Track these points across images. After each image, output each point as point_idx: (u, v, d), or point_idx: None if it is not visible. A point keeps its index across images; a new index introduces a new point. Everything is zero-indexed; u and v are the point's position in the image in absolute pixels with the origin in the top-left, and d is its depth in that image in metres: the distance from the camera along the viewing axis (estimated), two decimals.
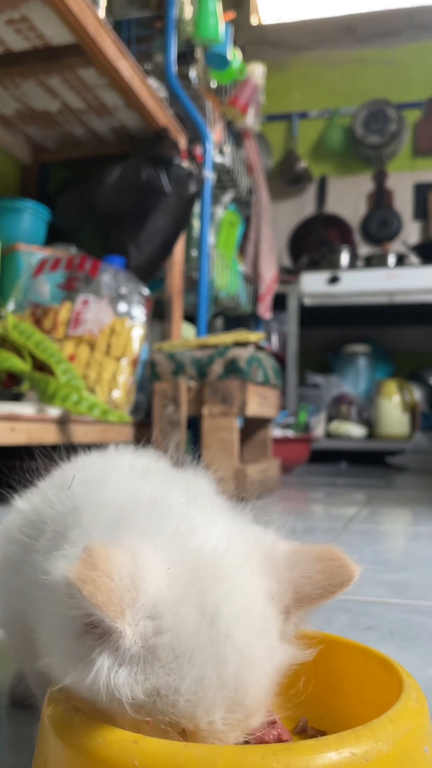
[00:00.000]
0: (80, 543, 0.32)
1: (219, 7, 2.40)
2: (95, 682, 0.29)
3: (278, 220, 4.07)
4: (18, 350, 1.61)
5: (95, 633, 0.29)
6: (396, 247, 3.94)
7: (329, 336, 4.06)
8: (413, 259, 3.67)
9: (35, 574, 0.35)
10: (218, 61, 2.57)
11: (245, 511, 0.38)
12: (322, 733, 0.41)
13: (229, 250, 2.81)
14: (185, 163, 2.11)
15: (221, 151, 2.66)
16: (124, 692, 0.29)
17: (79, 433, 1.59)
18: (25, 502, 0.45)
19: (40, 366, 1.60)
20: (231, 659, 0.30)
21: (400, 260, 3.60)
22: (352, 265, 3.65)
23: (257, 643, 0.31)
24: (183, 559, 0.31)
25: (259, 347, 1.93)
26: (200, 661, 0.29)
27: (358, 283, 3.46)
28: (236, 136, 3.03)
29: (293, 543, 0.36)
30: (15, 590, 0.40)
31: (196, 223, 2.44)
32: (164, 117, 2.11)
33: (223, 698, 0.29)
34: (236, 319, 3.36)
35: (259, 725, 0.32)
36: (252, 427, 2.17)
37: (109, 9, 2.18)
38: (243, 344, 1.84)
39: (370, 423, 3.67)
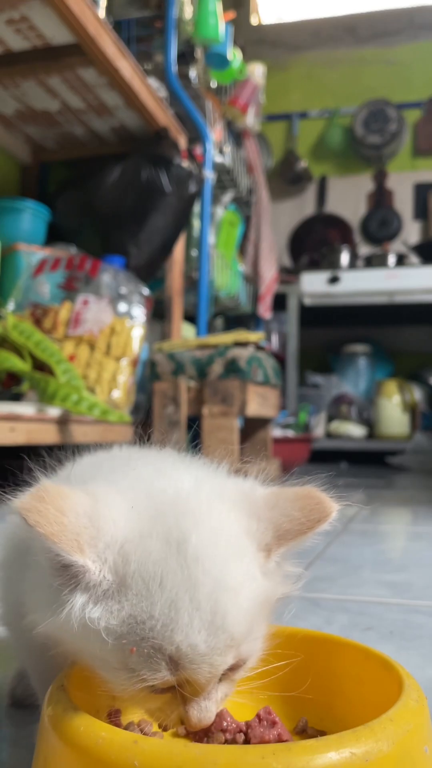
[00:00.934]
0: None
1: (219, 7, 2.40)
2: (69, 618, 0.30)
3: (278, 220, 4.07)
4: (18, 350, 1.61)
5: (66, 575, 0.30)
6: (396, 247, 3.94)
7: (329, 336, 4.06)
8: (413, 259, 3.67)
9: (37, 569, 0.35)
10: (218, 61, 2.57)
11: (220, 466, 0.39)
12: (322, 733, 0.41)
13: (229, 250, 2.81)
14: (185, 163, 2.11)
15: (221, 151, 2.66)
16: (102, 624, 0.30)
17: (79, 433, 1.59)
18: None
19: (40, 366, 1.60)
20: (202, 582, 0.30)
21: (400, 260, 3.60)
22: (352, 265, 3.65)
23: (231, 567, 0.32)
24: (147, 498, 0.33)
25: (259, 347, 1.93)
26: (170, 585, 0.30)
27: (358, 283, 3.46)
28: (236, 136, 3.03)
29: (271, 488, 0.37)
30: (18, 586, 0.40)
31: (196, 223, 2.44)
32: (164, 117, 2.11)
33: (200, 620, 0.30)
34: (236, 319, 3.36)
35: (255, 657, 0.33)
36: (252, 427, 2.17)
37: (109, 9, 2.18)
38: (243, 344, 1.84)
39: (370, 423, 3.67)
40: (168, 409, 1.80)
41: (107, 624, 0.30)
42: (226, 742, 0.35)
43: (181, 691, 0.32)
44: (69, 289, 1.85)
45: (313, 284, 3.49)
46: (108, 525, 0.31)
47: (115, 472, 0.36)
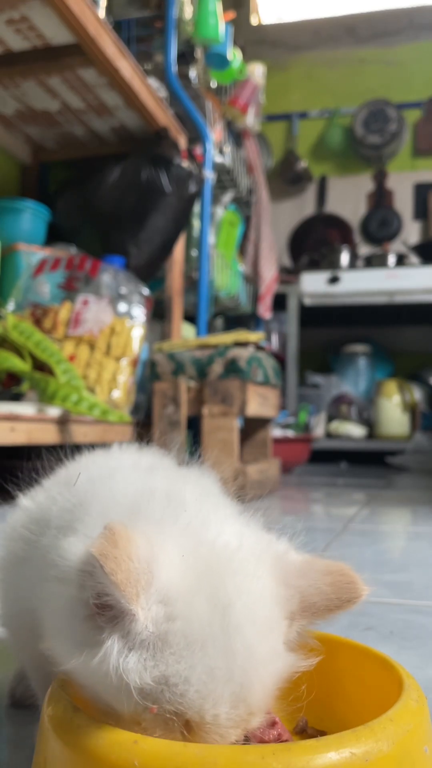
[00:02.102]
0: (90, 532, 0.32)
1: (219, 7, 2.40)
2: (103, 664, 0.29)
3: (278, 220, 4.07)
4: (18, 350, 1.61)
5: (106, 615, 0.29)
6: (396, 247, 3.94)
7: (329, 336, 4.06)
8: (413, 259, 3.67)
9: (40, 568, 0.35)
10: (218, 61, 2.57)
11: (256, 516, 0.38)
12: (322, 733, 0.41)
13: (229, 250, 2.81)
14: (185, 163, 2.11)
15: (221, 151, 2.66)
16: (133, 677, 0.29)
17: (79, 433, 1.59)
18: (29, 500, 0.45)
19: (40, 366, 1.60)
20: (240, 653, 0.29)
21: (400, 260, 3.60)
22: (352, 265, 3.65)
23: (264, 641, 0.31)
24: (196, 550, 0.31)
25: (259, 347, 1.93)
26: (211, 652, 0.29)
27: (358, 283, 3.46)
28: (236, 136, 3.03)
29: (305, 554, 0.35)
30: (19, 586, 0.40)
31: (196, 223, 2.44)
32: (164, 117, 2.11)
33: (230, 692, 0.29)
34: (236, 319, 3.36)
35: (258, 726, 0.32)
36: (252, 427, 2.17)
37: (109, 9, 2.18)
38: (243, 344, 1.84)
39: (370, 423, 3.67)
40: (168, 409, 1.80)
41: (139, 679, 0.29)
42: None
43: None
44: (69, 289, 1.85)
45: (313, 284, 3.49)
46: (161, 572, 0.29)
47: (158, 505, 0.34)
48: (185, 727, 0.29)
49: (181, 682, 0.29)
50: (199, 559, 0.31)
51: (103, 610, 0.29)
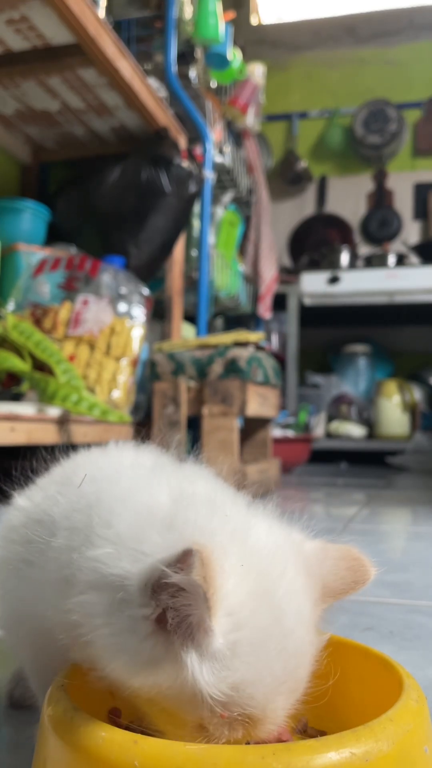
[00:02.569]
0: (118, 542, 0.32)
1: (219, 7, 2.40)
2: (179, 679, 0.29)
3: (278, 220, 4.07)
4: (18, 350, 1.61)
5: (178, 632, 0.29)
6: (396, 247, 3.94)
7: (329, 336, 4.06)
8: (413, 259, 3.67)
9: (52, 571, 0.35)
10: (218, 61, 2.57)
11: (268, 510, 0.38)
12: (322, 733, 0.41)
13: (229, 250, 2.81)
14: (185, 163, 2.11)
15: (221, 151, 2.66)
16: (211, 689, 0.29)
17: (79, 433, 1.59)
18: (26, 500, 0.44)
19: (40, 366, 1.60)
20: (294, 653, 0.31)
21: (400, 260, 3.60)
22: (352, 265, 3.65)
23: (308, 636, 0.33)
24: (246, 557, 0.32)
25: (259, 347, 1.93)
26: (274, 656, 0.31)
27: (358, 283, 3.46)
28: (236, 136, 3.03)
29: (316, 541, 0.37)
30: (21, 588, 0.40)
31: (196, 223, 2.44)
32: (164, 117, 2.11)
33: (288, 688, 0.31)
34: (236, 319, 3.36)
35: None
36: (252, 427, 2.17)
37: (109, 9, 2.18)
38: (243, 344, 1.84)
39: (370, 423, 3.67)
40: (168, 409, 1.80)
41: (219, 689, 0.29)
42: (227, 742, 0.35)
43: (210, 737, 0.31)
44: (69, 289, 1.85)
45: (313, 284, 3.49)
46: (225, 583, 0.30)
47: (199, 513, 0.33)
48: (250, 725, 0.31)
49: (250, 687, 0.30)
50: (251, 566, 0.31)
51: (175, 626, 0.29)
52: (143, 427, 1.88)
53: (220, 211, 2.76)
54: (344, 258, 3.63)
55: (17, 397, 1.57)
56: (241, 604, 0.30)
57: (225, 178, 2.83)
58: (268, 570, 0.32)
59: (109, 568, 0.31)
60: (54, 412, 1.52)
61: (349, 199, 4.17)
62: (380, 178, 4.12)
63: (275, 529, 0.36)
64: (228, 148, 2.74)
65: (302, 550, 0.36)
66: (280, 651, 0.31)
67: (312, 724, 0.42)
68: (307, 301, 3.54)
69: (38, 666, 0.42)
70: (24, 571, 0.39)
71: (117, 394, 1.78)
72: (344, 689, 0.42)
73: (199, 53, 2.49)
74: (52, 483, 0.44)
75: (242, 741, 0.31)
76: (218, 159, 2.61)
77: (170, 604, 0.28)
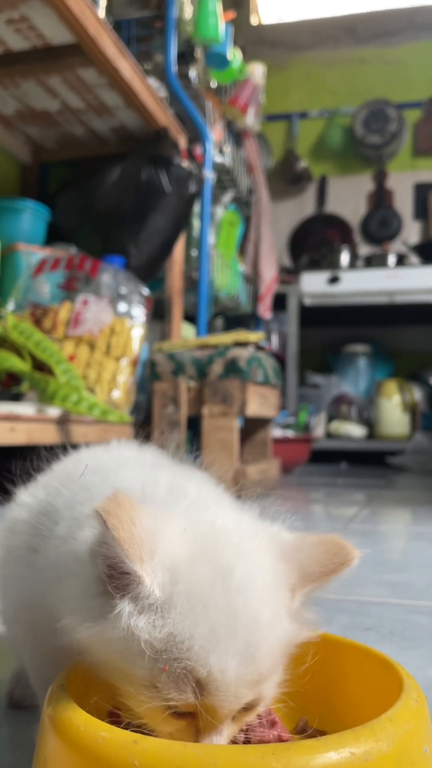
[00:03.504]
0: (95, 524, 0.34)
1: (219, 7, 2.40)
2: (116, 627, 0.31)
3: (278, 220, 4.07)
4: (18, 350, 1.61)
5: (117, 583, 0.32)
6: (396, 247, 3.94)
7: (329, 336, 4.06)
8: (413, 259, 3.67)
9: (53, 557, 0.37)
10: (218, 61, 2.57)
11: (250, 507, 0.40)
12: (322, 733, 0.41)
13: (229, 250, 2.81)
14: (185, 163, 2.11)
15: (221, 151, 2.66)
16: (143, 635, 0.31)
17: (79, 433, 1.59)
18: (29, 496, 0.46)
19: (40, 366, 1.60)
20: (242, 612, 0.32)
21: (400, 260, 3.60)
22: (352, 265, 3.65)
23: (265, 604, 0.33)
24: (197, 527, 0.34)
25: (259, 347, 1.93)
26: (213, 610, 0.31)
27: (358, 283, 3.46)
28: (236, 136, 3.03)
29: (296, 533, 0.38)
30: (27, 576, 0.40)
31: (196, 223, 2.44)
32: (164, 117, 2.11)
33: (235, 648, 0.31)
34: (236, 319, 3.36)
35: (269, 700, 0.34)
36: (252, 427, 2.17)
37: (109, 9, 2.18)
38: (243, 344, 1.84)
39: (370, 423, 3.67)
40: (168, 409, 1.80)
41: (149, 636, 0.31)
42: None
43: (197, 721, 0.32)
44: (69, 289, 1.85)
45: (313, 284, 3.49)
46: (165, 542, 0.32)
47: (162, 494, 0.37)
48: (197, 686, 0.31)
49: (186, 639, 0.31)
50: (199, 533, 0.34)
51: (113, 580, 0.32)
52: (143, 427, 1.88)
53: (220, 211, 2.76)
54: (344, 258, 3.63)
55: (17, 397, 1.57)
56: (182, 561, 0.32)
57: (225, 178, 2.83)
58: (219, 540, 0.33)
59: (79, 545, 0.34)
60: (54, 412, 1.52)
61: (349, 199, 4.17)
62: (380, 178, 4.12)
63: (246, 517, 0.37)
64: (228, 148, 2.74)
65: (277, 537, 0.37)
66: (223, 610, 0.31)
67: (312, 724, 0.42)
68: (307, 301, 3.54)
69: (39, 662, 0.42)
70: (30, 557, 0.40)
71: (117, 394, 1.78)
72: (344, 689, 0.42)
73: (199, 53, 2.49)
74: (54, 478, 0.46)
75: (196, 708, 0.31)
76: (218, 159, 2.61)
77: (106, 553, 0.31)
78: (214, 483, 0.44)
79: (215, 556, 0.33)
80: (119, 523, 0.31)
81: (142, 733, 0.31)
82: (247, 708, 0.33)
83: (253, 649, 0.31)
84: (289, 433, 2.91)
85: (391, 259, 3.57)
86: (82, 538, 0.34)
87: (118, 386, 1.79)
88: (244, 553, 0.33)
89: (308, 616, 0.36)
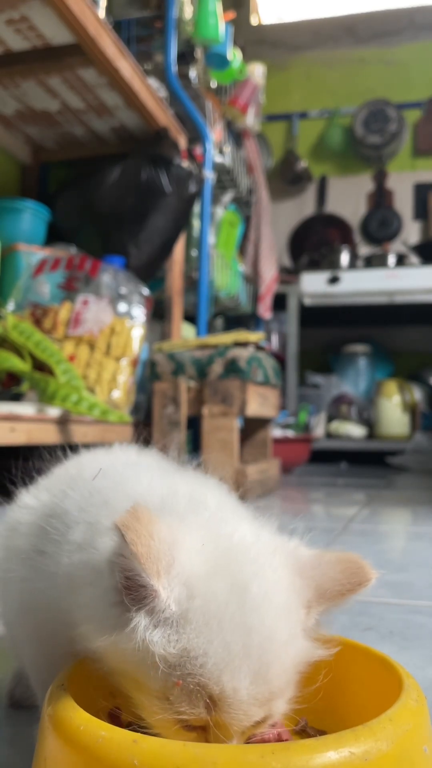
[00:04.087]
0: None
1: (219, 7, 2.40)
2: (132, 639, 0.31)
3: (278, 220, 4.07)
4: (18, 350, 1.61)
5: (134, 596, 0.32)
6: (396, 247, 3.94)
7: (329, 336, 4.06)
8: (413, 259, 3.67)
9: (66, 563, 0.36)
10: (218, 61, 2.57)
11: (268, 520, 0.40)
12: (322, 733, 0.41)
13: (229, 250, 2.81)
14: (185, 163, 2.11)
15: (221, 151, 2.66)
16: (158, 649, 0.31)
17: (79, 433, 1.59)
18: (32, 498, 0.46)
19: (40, 366, 1.60)
20: (257, 631, 0.31)
21: (400, 260, 3.60)
22: (352, 265, 3.65)
23: (281, 623, 0.32)
24: (215, 541, 0.34)
25: (259, 347, 1.93)
26: (228, 628, 0.31)
27: (358, 283, 3.46)
28: (236, 136, 3.03)
29: (314, 550, 0.38)
30: (34, 579, 0.40)
31: (196, 223, 2.44)
32: (164, 117, 2.11)
33: (248, 667, 0.31)
34: (236, 319, 3.36)
35: (281, 716, 0.34)
36: (252, 427, 2.17)
37: (109, 9, 2.18)
38: (243, 344, 1.84)
39: (370, 423, 3.67)
40: (168, 409, 1.80)
41: (164, 651, 0.31)
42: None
43: (207, 735, 0.32)
44: (69, 289, 1.85)
45: (313, 284, 3.49)
46: (182, 556, 0.32)
47: (182, 505, 0.37)
48: (210, 702, 0.31)
49: (200, 655, 0.31)
50: (218, 548, 0.34)
51: (130, 592, 0.32)
52: (143, 427, 1.88)
53: (220, 211, 2.76)
54: (344, 258, 3.63)
55: (17, 397, 1.57)
56: (198, 576, 0.32)
57: (225, 178, 2.83)
58: (237, 556, 0.33)
59: (98, 554, 0.34)
60: (54, 412, 1.52)
61: (349, 199, 4.17)
62: (380, 178, 4.12)
63: (263, 532, 0.37)
64: (228, 148, 2.74)
65: (295, 553, 0.36)
66: (238, 628, 0.31)
67: (312, 723, 0.42)
68: (307, 301, 3.54)
69: (39, 663, 0.42)
70: (36, 560, 0.40)
71: (117, 394, 1.78)
72: (344, 689, 0.42)
73: (199, 53, 2.49)
74: (57, 481, 0.46)
75: (207, 722, 0.31)
76: (218, 159, 2.61)
77: (124, 565, 0.32)
78: (228, 492, 0.44)
79: (232, 572, 0.33)
80: (138, 538, 0.31)
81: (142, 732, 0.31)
82: (258, 723, 0.33)
83: (267, 668, 0.31)
84: (289, 433, 2.91)
85: (391, 259, 3.57)
86: (101, 547, 0.34)
87: (118, 386, 1.79)
88: (262, 570, 0.33)
89: (323, 634, 0.35)
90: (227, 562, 0.33)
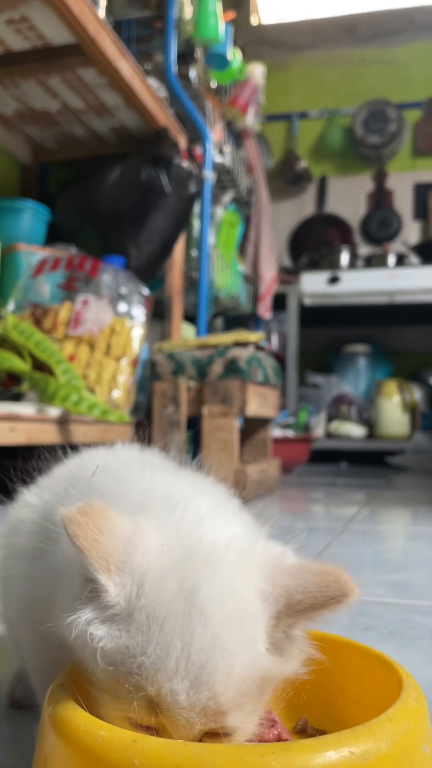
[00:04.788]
0: None
1: (219, 7, 2.40)
2: (73, 630, 0.32)
3: (278, 220, 4.07)
4: (18, 350, 1.61)
5: (88, 588, 0.32)
6: (396, 247, 3.94)
7: (329, 336, 4.06)
8: (413, 259, 3.67)
9: (59, 559, 0.37)
10: (218, 61, 2.57)
11: (260, 525, 0.39)
12: (322, 733, 0.41)
13: (229, 250, 2.81)
14: (185, 163, 2.11)
15: (221, 151, 2.66)
16: (97, 643, 0.31)
17: (79, 433, 1.59)
18: (34, 497, 0.46)
19: (40, 366, 1.60)
20: (199, 635, 0.30)
21: (400, 260, 3.60)
22: (352, 265, 3.65)
23: (233, 630, 0.31)
24: (180, 542, 0.33)
25: (259, 347, 1.93)
26: (169, 629, 0.31)
27: (358, 283, 3.46)
28: (236, 136, 3.03)
29: (303, 558, 0.36)
30: (35, 577, 0.40)
31: (196, 223, 2.44)
32: (164, 117, 2.11)
33: (186, 670, 0.30)
34: (236, 319, 3.36)
35: (247, 732, 0.32)
36: (252, 427, 2.17)
37: (109, 9, 2.18)
38: (243, 344, 1.84)
39: (370, 423, 3.67)
40: (168, 409, 1.80)
41: (104, 646, 0.31)
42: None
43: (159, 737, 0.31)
44: (69, 289, 1.85)
45: (313, 284, 3.49)
46: (138, 555, 0.32)
47: (160, 501, 0.37)
48: (150, 706, 0.30)
49: (138, 654, 0.30)
50: (179, 550, 0.33)
51: (85, 584, 0.32)
52: (143, 427, 1.88)
53: (220, 211, 2.76)
54: (344, 258, 3.63)
55: (17, 397, 1.57)
56: (152, 577, 0.32)
57: (225, 178, 2.83)
58: (196, 559, 0.32)
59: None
60: (54, 412, 1.52)
61: (349, 199, 4.17)
62: (380, 178, 4.12)
63: (241, 536, 0.35)
64: (228, 148, 2.74)
65: (275, 561, 0.34)
66: (181, 632, 0.30)
67: (312, 723, 0.42)
68: (307, 301, 3.54)
69: (40, 662, 0.42)
70: (39, 557, 0.40)
71: (117, 394, 1.78)
72: (344, 689, 0.42)
73: (199, 53, 2.49)
74: (59, 480, 0.46)
75: (159, 724, 0.31)
76: (218, 159, 2.61)
77: (83, 563, 0.32)
78: (225, 493, 0.43)
79: (185, 574, 0.32)
80: (81, 532, 0.31)
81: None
82: (220, 735, 0.31)
83: (208, 674, 0.30)
84: (289, 433, 2.91)
85: (391, 259, 3.57)
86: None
87: (118, 386, 1.79)
88: (219, 575, 0.32)
89: (297, 649, 0.33)
90: (182, 563, 0.32)
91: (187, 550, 0.33)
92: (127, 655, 0.31)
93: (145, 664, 0.30)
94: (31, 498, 0.46)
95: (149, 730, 0.31)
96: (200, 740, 0.31)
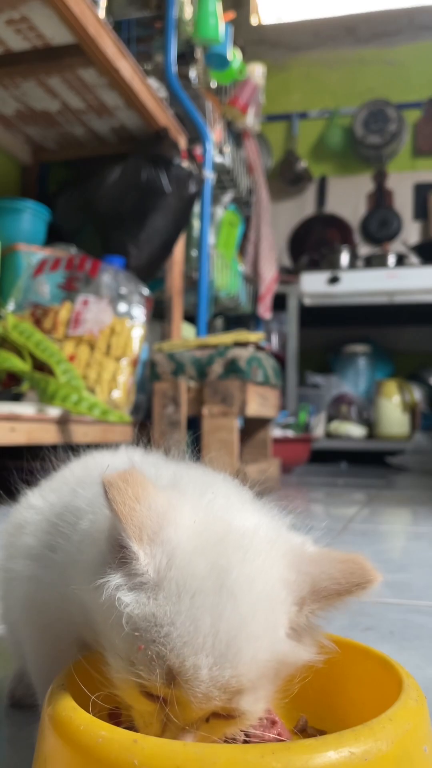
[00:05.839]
0: None
1: (219, 7, 2.40)
2: (102, 593, 0.32)
3: (278, 220, 4.07)
4: (18, 350, 1.61)
5: (118, 554, 0.32)
6: (396, 247, 3.94)
7: (329, 336, 4.06)
8: (413, 259, 3.67)
9: (74, 553, 0.37)
10: (218, 61, 2.57)
11: (281, 516, 0.39)
12: (322, 733, 0.41)
13: (229, 250, 2.81)
14: (185, 163, 2.11)
15: (221, 151, 2.66)
16: (126, 609, 0.32)
17: (79, 433, 1.59)
18: (39, 498, 0.46)
19: (40, 366, 1.60)
20: (228, 613, 0.31)
21: (400, 260, 3.60)
22: (352, 265, 3.65)
23: (259, 612, 0.32)
24: (211, 521, 0.34)
25: (259, 347, 1.93)
26: (199, 605, 0.31)
27: (358, 283, 3.46)
28: (236, 136, 3.03)
29: (324, 548, 0.37)
30: (37, 578, 0.40)
31: (196, 223, 2.44)
32: (164, 117, 2.11)
33: (213, 647, 0.30)
34: (236, 319, 3.36)
35: (253, 716, 0.33)
36: (252, 427, 2.17)
37: (109, 9, 2.18)
38: (243, 344, 1.84)
39: (370, 423, 3.67)
40: (168, 409, 1.80)
41: (131, 612, 0.32)
42: (226, 741, 0.35)
43: (166, 711, 0.31)
44: (69, 290, 1.85)
45: (313, 284, 3.49)
46: (170, 529, 0.33)
47: (190, 485, 0.38)
48: (169, 675, 0.31)
49: (166, 624, 0.31)
50: (211, 530, 0.34)
51: (116, 550, 0.32)
52: (143, 427, 1.88)
53: (220, 211, 2.76)
54: (344, 258, 3.63)
55: (17, 397, 1.57)
56: (183, 551, 0.32)
57: (225, 178, 2.83)
58: (228, 540, 0.33)
59: (103, 518, 0.35)
60: (54, 412, 1.52)
61: (349, 199, 4.17)
62: (380, 178, 4.12)
63: (269, 524, 0.36)
64: (228, 148, 2.74)
65: (298, 549, 0.35)
66: (211, 609, 0.31)
67: (312, 723, 0.42)
68: (307, 301, 3.54)
69: (42, 663, 0.42)
70: (48, 557, 0.40)
71: (117, 394, 1.78)
72: (344, 689, 0.42)
73: (199, 53, 2.49)
74: (64, 481, 0.46)
75: (168, 695, 0.31)
76: (218, 159, 2.61)
77: (117, 528, 0.32)
78: (240, 486, 0.43)
79: (217, 553, 0.32)
80: (120, 497, 0.32)
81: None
82: (225, 717, 0.32)
83: (233, 654, 0.30)
84: (289, 433, 2.91)
85: (391, 259, 3.57)
86: (104, 520, 0.35)
87: (118, 386, 1.79)
88: (250, 557, 0.33)
89: (313, 638, 0.34)
90: (215, 543, 0.33)
91: (219, 531, 0.34)
92: (153, 623, 0.31)
93: (172, 635, 0.31)
94: (36, 500, 0.47)
95: (157, 700, 0.31)
96: (207, 720, 0.32)
